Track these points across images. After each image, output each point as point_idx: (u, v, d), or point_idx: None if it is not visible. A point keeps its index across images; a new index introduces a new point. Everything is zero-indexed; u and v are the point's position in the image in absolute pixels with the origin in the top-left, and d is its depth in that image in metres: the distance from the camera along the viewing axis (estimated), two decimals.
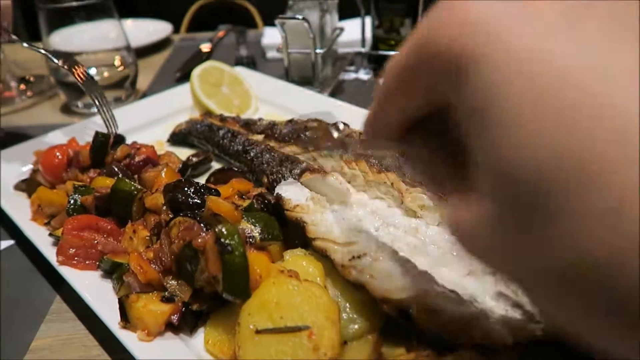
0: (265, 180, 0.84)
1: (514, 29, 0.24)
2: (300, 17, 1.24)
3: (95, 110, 1.31)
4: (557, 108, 0.22)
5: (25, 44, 1.04)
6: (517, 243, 0.26)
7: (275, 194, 0.71)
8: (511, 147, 0.24)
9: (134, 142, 0.96)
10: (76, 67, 1.01)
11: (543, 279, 0.25)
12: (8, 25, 0.99)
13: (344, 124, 0.58)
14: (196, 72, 1.22)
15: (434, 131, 0.37)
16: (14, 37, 1.01)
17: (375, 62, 1.52)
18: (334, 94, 1.36)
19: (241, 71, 1.35)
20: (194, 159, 0.96)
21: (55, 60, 1.02)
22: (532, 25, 0.24)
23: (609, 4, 0.23)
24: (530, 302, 0.30)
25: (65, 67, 1.01)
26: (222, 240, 0.57)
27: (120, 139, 0.97)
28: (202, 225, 0.61)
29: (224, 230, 0.58)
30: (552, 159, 0.22)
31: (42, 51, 1.04)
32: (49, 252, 0.74)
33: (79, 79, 1.00)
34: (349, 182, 0.79)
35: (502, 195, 0.26)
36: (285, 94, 1.25)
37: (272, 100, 1.27)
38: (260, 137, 0.97)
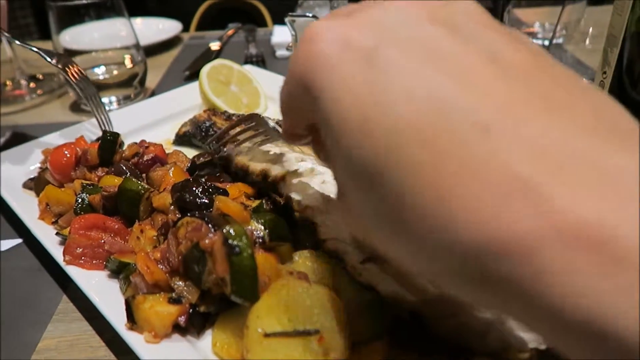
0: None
1: (335, 60, 0.32)
2: (310, 15, 1.23)
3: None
4: (365, 129, 0.30)
5: (17, 42, 1.04)
6: (364, 218, 0.33)
7: (285, 195, 0.70)
8: (342, 151, 0.32)
9: (142, 141, 0.96)
10: (69, 67, 1.00)
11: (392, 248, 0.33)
12: (3, 25, 0.99)
13: None
14: (205, 70, 1.21)
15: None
16: (6, 34, 1.01)
17: None
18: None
19: (250, 69, 1.34)
20: (201, 159, 0.95)
21: (48, 59, 1.01)
22: (346, 56, 0.32)
23: (407, 32, 0.31)
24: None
25: (59, 66, 1.01)
26: (230, 241, 0.56)
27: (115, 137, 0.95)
28: (210, 225, 0.60)
29: (231, 231, 0.57)
30: (365, 160, 0.30)
31: (34, 49, 1.04)
32: (56, 252, 0.73)
33: (72, 79, 1.00)
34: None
35: (343, 182, 0.35)
36: None
37: None
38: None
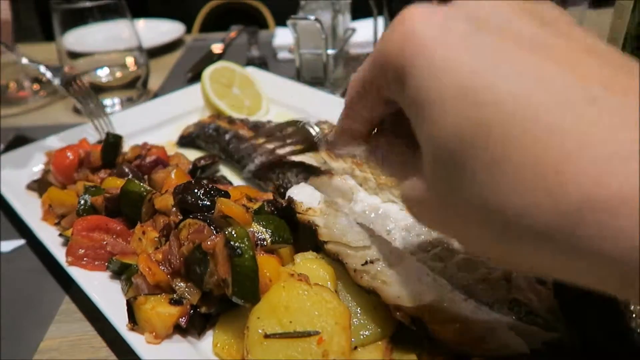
0: (272, 186, 0.84)
1: (435, 41, 0.33)
2: (312, 17, 1.23)
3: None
4: (466, 102, 0.31)
5: (24, 60, 1.05)
6: (452, 202, 0.34)
7: (287, 197, 0.70)
8: (439, 126, 0.32)
9: (145, 143, 0.96)
10: (73, 83, 1.01)
11: (471, 225, 0.33)
12: (7, 41, 1.01)
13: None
14: (207, 72, 1.22)
15: (390, 130, 0.47)
16: (13, 54, 1.03)
17: None
18: (344, 95, 1.35)
19: (252, 72, 1.34)
20: (203, 162, 0.96)
21: (55, 81, 1.04)
22: (447, 38, 0.33)
23: (501, 23, 0.32)
24: (469, 249, 0.41)
25: (63, 87, 1.03)
26: (232, 243, 0.56)
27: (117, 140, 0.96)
28: (212, 227, 0.60)
29: (233, 232, 0.57)
30: (465, 131, 0.31)
31: (42, 69, 1.06)
32: (59, 253, 0.73)
33: (78, 99, 1.02)
34: (361, 185, 0.77)
35: (437, 164, 0.34)
36: (296, 95, 1.24)
37: (283, 101, 1.26)
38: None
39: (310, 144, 0.63)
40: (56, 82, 1.03)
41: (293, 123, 0.76)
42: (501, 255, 0.34)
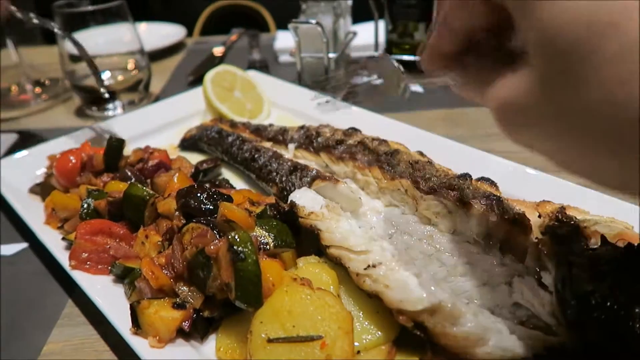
0: (275, 189, 0.84)
1: None
2: (313, 21, 1.24)
3: (110, 114, 1.33)
4: None
5: (33, 18, 1.06)
6: (558, 98, 0.31)
7: (289, 201, 0.70)
8: (553, 13, 0.29)
9: (147, 146, 0.96)
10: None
11: (576, 128, 0.31)
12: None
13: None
14: (209, 75, 1.22)
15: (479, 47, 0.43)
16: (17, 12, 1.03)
17: None
18: (346, 98, 1.35)
19: (254, 75, 1.35)
20: (205, 165, 0.96)
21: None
22: None
23: None
24: (554, 161, 0.36)
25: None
26: (235, 247, 0.57)
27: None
28: (215, 232, 0.60)
29: (237, 237, 0.57)
30: (584, 19, 0.27)
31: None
32: (62, 256, 0.74)
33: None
34: (362, 189, 0.78)
35: (546, 56, 0.31)
36: (297, 98, 1.25)
37: (284, 104, 1.27)
38: (269, 144, 0.97)
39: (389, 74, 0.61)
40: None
41: (371, 58, 0.71)
42: (613, 173, 0.32)
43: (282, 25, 2.00)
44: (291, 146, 0.93)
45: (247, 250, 0.57)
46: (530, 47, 0.32)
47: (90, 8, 1.26)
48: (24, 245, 0.87)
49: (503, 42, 0.39)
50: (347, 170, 0.82)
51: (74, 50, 1.34)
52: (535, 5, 0.31)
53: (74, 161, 0.89)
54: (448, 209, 0.67)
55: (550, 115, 0.33)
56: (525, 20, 0.32)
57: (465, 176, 0.71)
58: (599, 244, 0.56)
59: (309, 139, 0.91)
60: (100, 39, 1.35)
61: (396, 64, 0.61)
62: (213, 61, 1.72)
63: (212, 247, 0.59)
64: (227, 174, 1.02)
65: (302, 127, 0.96)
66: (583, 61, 0.28)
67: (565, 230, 0.58)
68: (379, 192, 0.76)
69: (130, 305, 0.62)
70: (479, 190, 0.67)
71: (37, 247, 0.83)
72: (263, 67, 1.64)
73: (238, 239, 0.57)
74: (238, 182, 0.97)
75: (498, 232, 0.62)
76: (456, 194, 0.66)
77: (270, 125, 1.05)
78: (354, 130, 0.91)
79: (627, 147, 0.29)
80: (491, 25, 0.40)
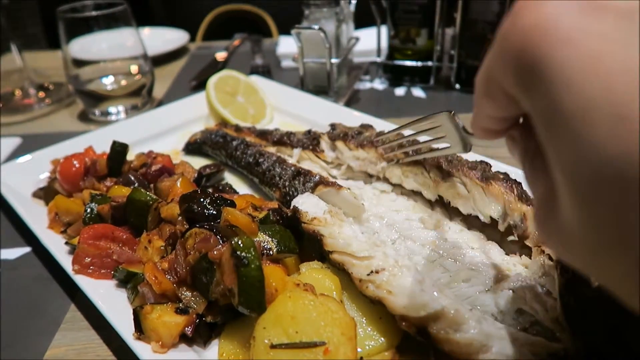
0: (278, 194, 0.84)
1: (581, 31, 0.26)
2: (316, 27, 1.24)
3: (113, 118, 1.34)
4: (620, 111, 0.23)
5: None
6: (613, 243, 0.26)
7: (292, 207, 0.71)
8: (587, 146, 0.25)
9: (150, 151, 0.97)
10: None
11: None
12: None
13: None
14: (212, 80, 1.23)
15: (524, 127, 0.39)
16: None
17: (391, 72, 1.51)
18: (349, 104, 1.36)
19: (257, 80, 1.35)
20: (208, 170, 0.96)
21: None
22: (595, 28, 0.25)
23: None
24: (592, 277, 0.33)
25: None
26: (239, 253, 0.57)
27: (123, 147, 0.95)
28: (218, 237, 0.60)
29: (240, 243, 0.57)
30: (626, 154, 0.23)
31: None
32: (65, 261, 0.74)
33: None
34: (379, 176, 0.80)
35: (580, 195, 0.27)
36: (300, 104, 1.25)
37: (287, 109, 1.27)
38: (274, 149, 0.97)
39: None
40: None
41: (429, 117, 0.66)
42: None
43: (284, 31, 2.00)
44: (296, 151, 0.93)
45: (250, 255, 0.57)
46: (557, 172, 0.29)
47: (94, 13, 1.26)
48: (27, 249, 0.88)
49: None
50: (366, 157, 0.83)
51: (77, 55, 1.35)
52: (567, 136, 0.26)
53: (77, 166, 0.89)
54: (468, 189, 0.70)
55: (594, 252, 0.28)
56: (553, 149, 0.29)
57: (485, 162, 0.75)
58: None
59: (317, 140, 0.92)
60: (103, 44, 1.36)
61: (460, 122, 0.59)
62: (216, 66, 1.72)
63: (215, 253, 0.59)
64: (229, 178, 1.02)
65: (308, 132, 0.97)
66: (624, 203, 0.24)
67: None
68: (402, 175, 0.78)
69: (134, 310, 0.62)
70: (498, 174, 0.71)
71: (40, 252, 0.83)
72: (266, 72, 1.64)
73: (241, 245, 0.57)
74: (241, 187, 0.98)
75: (513, 214, 0.63)
76: (477, 173, 0.71)
77: (276, 129, 1.05)
78: (369, 126, 0.94)
79: None
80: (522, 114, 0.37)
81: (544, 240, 0.36)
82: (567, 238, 0.30)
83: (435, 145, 0.69)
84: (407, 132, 0.72)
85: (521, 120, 0.39)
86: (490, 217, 0.68)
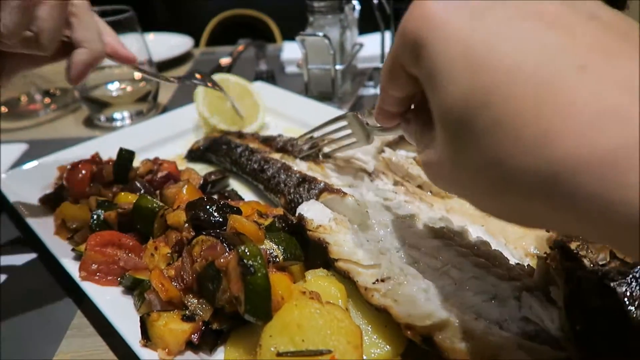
0: (283, 200, 0.84)
1: (449, 15, 0.36)
2: (320, 34, 1.25)
3: (118, 124, 1.34)
4: (471, 68, 0.34)
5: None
6: (460, 162, 0.38)
7: (297, 214, 0.71)
8: (447, 92, 0.36)
9: (156, 158, 0.97)
10: None
11: (478, 182, 0.37)
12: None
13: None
14: (200, 88, 1.19)
15: (419, 109, 0.50)
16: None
17: None
18: (353, 110, 1.36)
19: (259, 85, 1.35)
20: (213, 177, 0.97)
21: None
22: (460, 12, 0.36)
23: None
24: (477, 206, 0.43)
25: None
26: (245, 261, 0.57)
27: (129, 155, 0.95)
28: (225, 244, 0.61)
29: (246, 250, 0.58)
30: (470, 95, 0.34)
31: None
32: (71, 267, 0.74)
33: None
34: (383, 173, 0.81)
35: (445, 129, 0.38)
36: (304, 110, 1.25)
37: (291, 115, 1.28)
38: (278, 155, 0.97)
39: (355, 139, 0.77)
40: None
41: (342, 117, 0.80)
42: (505, 210, 0.38)
43: (288, 36, 2.01)
44: (299, 161, 0.94)
45: (257, 264, 0.57)
46: (435, 118, 0.40)
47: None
48: (33, 255, 0.88)
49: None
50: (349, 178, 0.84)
51: None
52: (435, 88, 0.37)
53: (83, 172, 0.90)
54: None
55: (455, 171, 0.40)
56: (430, 99, 0.39)
57: None
58: (608, 259, 0.56)
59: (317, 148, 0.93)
60: None
61: (363, 119, 0.74)
62: (220, 72, 1.73)
63: (222, 260, 0.59)
64: (234, 185, 1.02)
65: (310, 138, 0.97)
66: (468, 131, 0.35)
67: (574, 245, 0.58)
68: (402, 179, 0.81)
69: (140, 317, 0.63)
70: None
71: (47, 258, 0.83)
72: (270, 77, 1.65)
73: (248, 253, 0.58)
74: (245, 193, 0.98)
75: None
76: None
77: (279, 135, 1.05)
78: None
79: (507, 193, 0.35)
80: (418, 93, 0.48)
81: (430, 179, 0.47)
82: (439, 168, 0.42)
83: (345, 142, 0.82)
84: (318, 133, 0.87)
85: (412, 106, 0.51)
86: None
